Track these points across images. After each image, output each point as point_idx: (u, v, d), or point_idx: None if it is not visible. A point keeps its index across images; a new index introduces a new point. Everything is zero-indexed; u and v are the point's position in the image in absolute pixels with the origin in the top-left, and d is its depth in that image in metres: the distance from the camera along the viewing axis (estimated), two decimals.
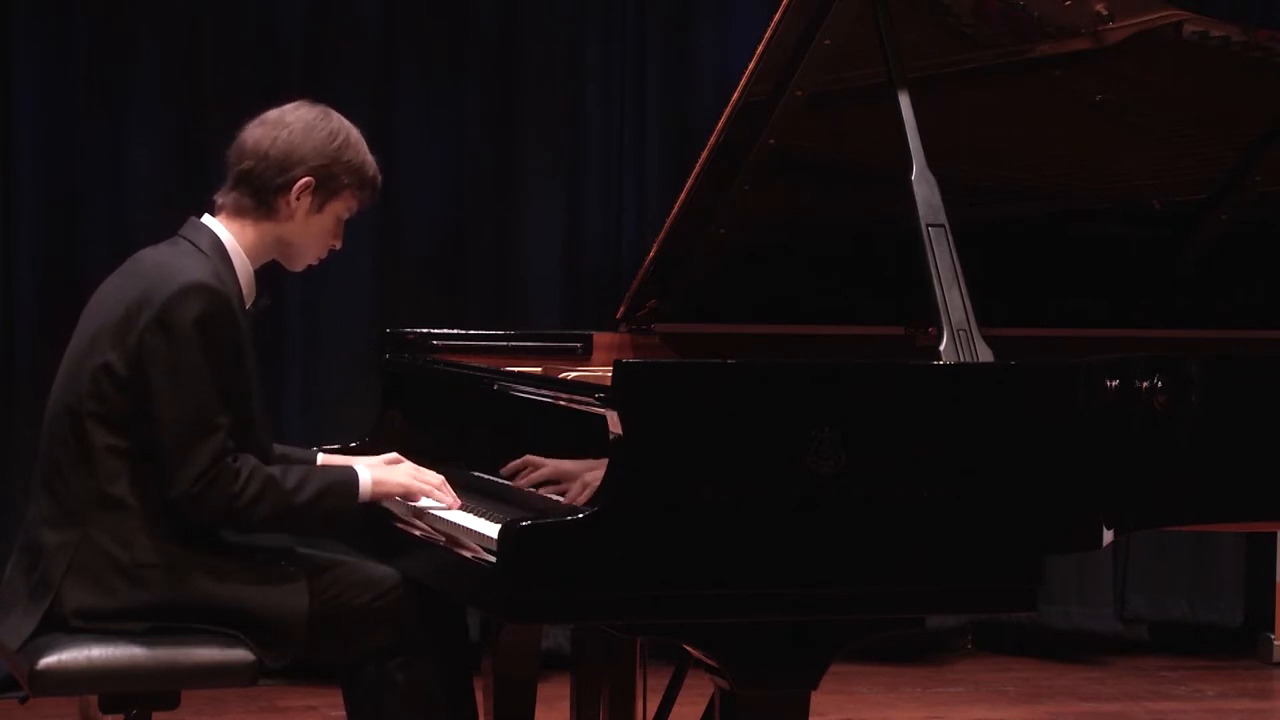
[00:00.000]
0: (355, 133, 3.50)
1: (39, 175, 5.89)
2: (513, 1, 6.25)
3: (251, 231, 3.44)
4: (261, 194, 3.42)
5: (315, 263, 3.55)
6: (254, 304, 3.48)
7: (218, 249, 3.40)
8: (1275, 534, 6.43)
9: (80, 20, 5.90)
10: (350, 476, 3.39)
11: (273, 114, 3.47)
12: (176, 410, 3.24)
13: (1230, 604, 6.77)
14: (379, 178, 3.52)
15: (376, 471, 3.43)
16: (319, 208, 3.45)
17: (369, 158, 3.50)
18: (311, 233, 3.47)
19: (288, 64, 6.00)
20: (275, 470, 3.33)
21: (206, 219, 3.45)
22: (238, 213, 3.44)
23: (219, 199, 3.46)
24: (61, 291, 5.82)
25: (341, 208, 3.48)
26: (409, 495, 3.43)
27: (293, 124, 3.43)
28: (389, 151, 6.11)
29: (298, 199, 3.42)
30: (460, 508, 3.39)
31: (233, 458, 3.27)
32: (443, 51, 6.20)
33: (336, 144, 3.44)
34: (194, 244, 3.40)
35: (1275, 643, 6.61)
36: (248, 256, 3.45)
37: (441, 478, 3.45)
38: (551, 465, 3.38)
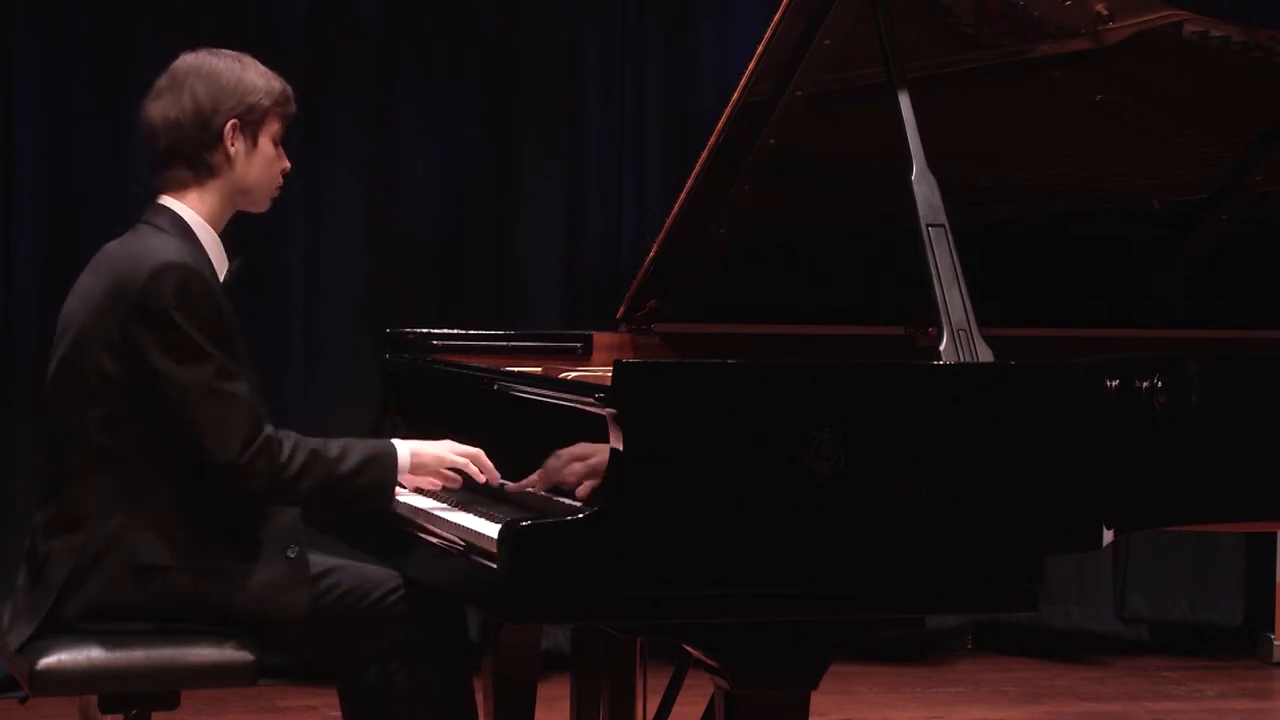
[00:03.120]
0: (246, 57, 3.45)
1: (39, 175, 5.89)
2: (513, 1, 6.25)
3: (205, 197, 3.40)
4: (195, 160, 3.38)
5: (277, 193, 3.49)
6: (229, 271, 3.44)
7: (179, 226, 3.37)
8: (1275, 534, 6.43)
9: (80, 20, 5.90)
10: (389, 449, 3.36)
11: (162, 81, 3.41)
12: (190, 389, 3.22)
13: (1230, 604, 6.77)
14: (288, 88, 3.47)
15: (414, 443, 3.40)
16: (253, 142, 3.40)
17: (270, 74, 3.45)
18: (257, 168, 3.42)
19: (288, 64, 5.96)
20: (317, 441, 3.31)
21: (163, 198, 3.41)
22: (183, 186, 3.40)
23: (158, 183, 3.42)
24: (62, 291, 5.77)
25: (272, 132, 3.43)
26: (442, 465, 3.38)
27: (188, 81, 3.38)
28: (389, 151, 6.15)
29: (232, 145, 3.38)
30: (498, 484, 3.37)
31: (274, 428, 3.27)
32: (443, 51, 6.21)
33: (236, 76, 3.39)
34: (155, 226, 3.37)
35: (1275, 643, 6.61)
36: (210, 223, 3.41)
37: (479, 451, 3.42)
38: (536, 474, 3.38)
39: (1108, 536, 3.30)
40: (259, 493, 3.27)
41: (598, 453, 3.12)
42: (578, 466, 3.23)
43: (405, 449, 3.38)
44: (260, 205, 3.49)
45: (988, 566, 3.08)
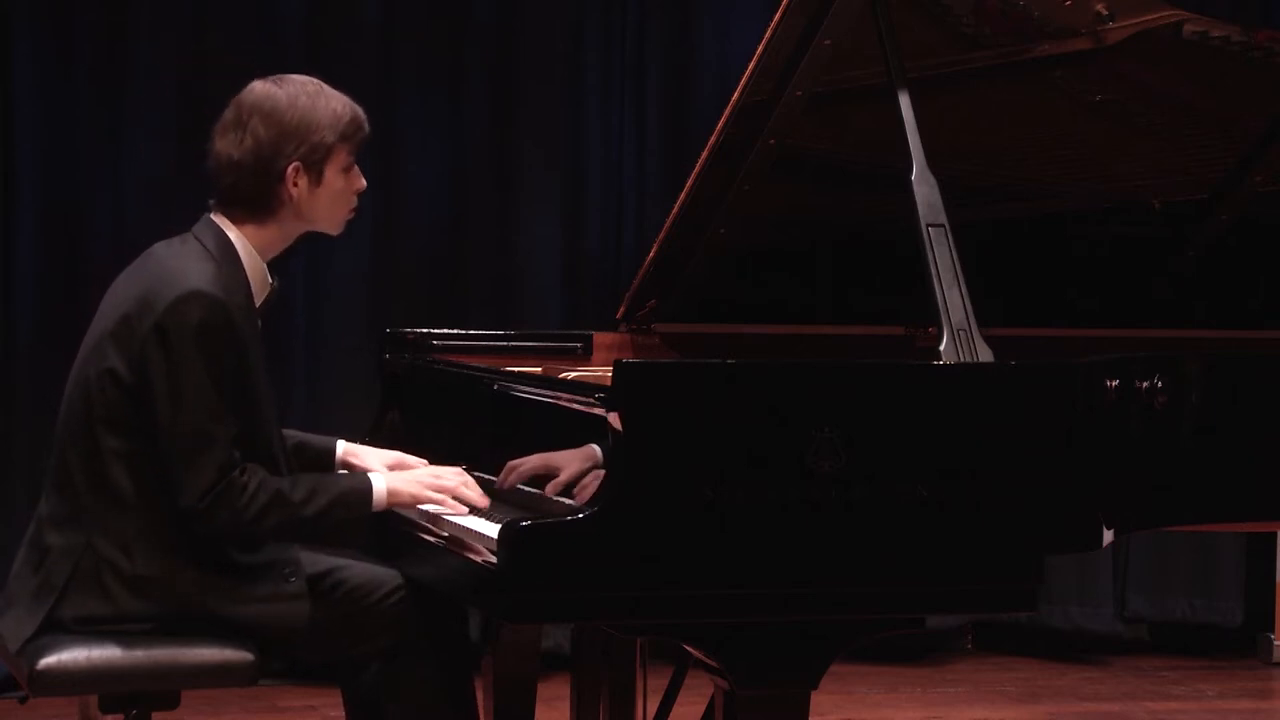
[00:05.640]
0: (312, 85, 3.39)
1: (39, 175, 5.88)
2: (513, 2, 6.25)
3: (261, 231, 3.38)
4: (257, 200, 3.35)
5: (351, 215, 3.46)
6: (266, 298, 3.42)
7: (225, 250, 3.34)
8: (1275, 534, 6.43)
9: (81, 20, 5.90)
10: (364, 485, 3.35)
11: (228, 115, 3.38)
12: (178, 423, 3.21)
13: (1230, 604, 6.76)
14: (358, 113, 3.41)
15: (392, 480, 3.38)
16: (318, 180, 3.36)
17: (337, 102, 3.39)
18: (324, 202, 3.39)
19: (288, 64, 5.97)
20: (284, 483, 3.29)
21: (216, 217, 3.38)
22: (241, 220, 3.38)
23: (217, 208, 3.39)
24: (62, 291, 5.82)
25: (340, 163, 3.38)
26: (420, 503, 3.38)
27: (251, 121, 3.34)
28: (389, 151, 6.14)
29: (295, 186, 3.34)
30: (486, 507, 3.35)
31: (240, 470, 3.23)
32: (443, 51, 6.20)
33: (299, 114, 3.34)
34: (202, 244, 3.34)
35: (1275, 643, 6.61)
36: (260, 250, 3.38)
37: (461, 478, 3.39)
38: (536, 458, 3.38)
39: (1108, 536, 3.30)
40: (220, 534, 3.27)
41: (593, 450, 3.12)
42: (576, 464, 3.24)
43: (382, 486, 3.36)
44: (333, 230, 3.46)
45: (988, 567, 3.09)
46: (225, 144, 3.36)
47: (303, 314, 6.09)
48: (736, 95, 3.64)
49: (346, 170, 3.41)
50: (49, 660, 3.23)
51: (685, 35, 6.39)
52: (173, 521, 3.27)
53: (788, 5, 3.50)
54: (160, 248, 3.41)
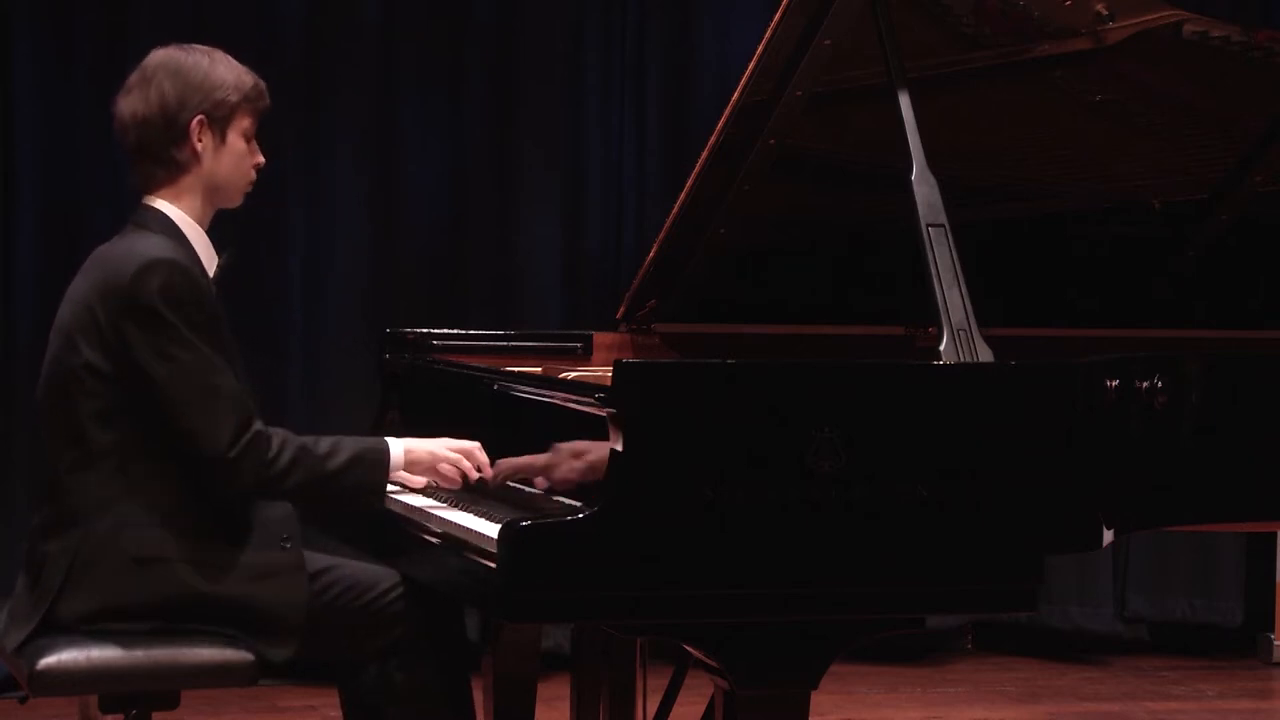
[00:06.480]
0: (218, 53, 3.44)
1: (39, 175, 5.89)
2: (513, 2, 6.25)
3: (184, 195, 3.40)
4: (164, 156, 3.38)
5: (249, 188, 3.48)
6: (218, 266, 3.44)
7: (166, 225, 3.37)
8: (1275, 534, 6.43)
9: (81, 20, 5.90)
10: (381, 445, 3.38)
11: (133, 78, 3.41)
12: (176, 383, 3.22)
13: (1230, 604, 6.77)
14: (260, 83, 3.45)
15: (410, 443, 3.41)
16: (222, 139, 3.39)
17: (241, 69, 3.43)
18: (227, 164, 3.41)
19: (288, 64, 6.00)
20: (307, 439, 3.33)
21: (148, 199, 3.41)
22: (158, 184, 3.40)
23: (137, 182, 3.42)
24: (62, 291, 5.78)
25: (242, 128, 3.42)
26: (437, 463, 3.40)
27: (156, 78, 3.38)
28: (389, 151, 6.15)
29: (199, 141, 3.37)
30: (480, 480, 3.38)
31: (264, 424, 3.27)
32: (443, 51, 6.21)
33: (204, 72, 3.38)
34: (142, 226, 3.37)
35: (1275, 643, 6.61)
36: (195, 219, 3.41)
37: (474, 445, 3.43)
38: (524, 459, 3.39)
39: (1108, 536, 3.30)
40: (246, 487, 3.28)
41: (594, 450, 3.12)
42: (576, 464, 3.24)
43: (399, 446, 3.39)
44: (233, 201, 3.48)
45: (988, 567, 3.09)
46: (130, 101, 3.39)
47: (302, 313, 6.09)
48: (736, 95, 3.64)
49: (248, 140, 3.44)
50: (49, 660, 3.23)
51: (685, 35, 6.39)
52: (166, 509, 3.27)
53: (788, 5, 3.50)
54: (103, 247, 3.43)
